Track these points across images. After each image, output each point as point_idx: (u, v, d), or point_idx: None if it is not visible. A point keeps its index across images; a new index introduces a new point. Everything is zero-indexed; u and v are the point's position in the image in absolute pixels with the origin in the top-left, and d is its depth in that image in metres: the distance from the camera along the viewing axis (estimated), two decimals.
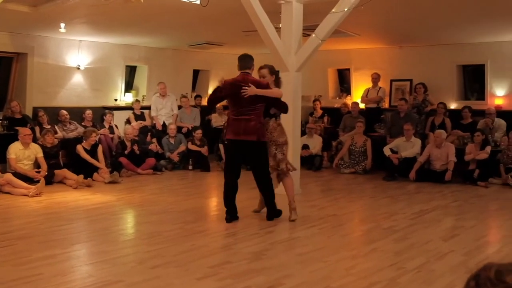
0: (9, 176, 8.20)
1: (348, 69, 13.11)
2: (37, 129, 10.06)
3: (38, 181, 8.28)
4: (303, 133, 10.47)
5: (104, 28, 10.28)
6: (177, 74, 13.37)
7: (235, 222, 6.41)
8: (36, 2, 8.09)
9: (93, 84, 11.88)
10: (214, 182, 10.04)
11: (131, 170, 10.06)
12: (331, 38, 8.60)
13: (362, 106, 12.12)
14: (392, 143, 10.29)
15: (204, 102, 13.64)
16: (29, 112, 10.68)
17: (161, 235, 5.81)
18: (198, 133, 11.14)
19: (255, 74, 6.67)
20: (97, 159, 9.60)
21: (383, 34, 11.00)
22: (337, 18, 7.57)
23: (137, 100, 12.34)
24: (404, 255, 5.15)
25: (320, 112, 12.57)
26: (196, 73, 14.25)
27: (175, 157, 10.88)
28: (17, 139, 8.85)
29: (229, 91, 6.33)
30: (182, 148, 11.04)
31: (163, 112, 12.03)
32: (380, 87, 12.06)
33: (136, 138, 10.60)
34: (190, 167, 10.87)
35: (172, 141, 11.17)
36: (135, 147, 10.28)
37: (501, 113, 10.53)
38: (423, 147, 10.11)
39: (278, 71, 7.14)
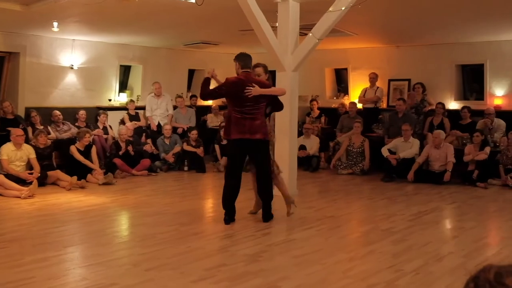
0: (1, 177, 8.17)
1: (346, 69, 13.13)
2: (29, 129, 10.04)
3: (30, 183, 8.26)
4: (300, 133, 10.50)
5: (98, 27, 10.26)
6: (172, 74, 13.36)
7: (232, 224, 6.40)
8: (28, 0, 8.07)
9: (86, 84, 11.86)
10: (210, 183, 10.03)
11: (126, 171, 10.04)
12: (328, 37, 8.61)
13: (359, 106, 12.13)
14: (390, 143, 10.30)
15: (200, 102, 13.65)
16: (21, 113, 10.66)
17: (156, 237, 5.80)
18: (194, 134, 11.13)
19: None
20: (90, 160, 9.58)
21: (381, 33, 11.01)
22: (334, 17, 7.58)
23: (131, 100, 12.33)
24: (402, 257, 5.15)
25: (317, 112, 12.58)
26: (191, 72, 14.25)
27: (170, 158, 10.87)
28: (9, 140, 8.82)
29: (231, 89, 6.34)
30: (177, 149, 11.03)
31: (158, 112, 12.01)
32: (377, 87, 12.07)
33: (131, 139, 10.58)
34: (186, 168, 10.86)
35: (167, 141, 11.16)
36: (130, 148, 10.26)
37: (500, 113, 10.55)
38: (421, 147, 10.12)
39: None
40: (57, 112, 10.84)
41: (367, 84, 12.20)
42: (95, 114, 11.63)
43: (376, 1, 7.26)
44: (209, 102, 13.04)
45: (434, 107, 11.02)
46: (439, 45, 11.50)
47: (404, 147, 10.09)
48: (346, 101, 12.71)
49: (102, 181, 9.11)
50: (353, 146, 10.81)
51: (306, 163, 10.86)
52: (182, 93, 13.11)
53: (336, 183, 9.84)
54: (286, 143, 8.10)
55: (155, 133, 11.70)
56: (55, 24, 9.19)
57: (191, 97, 13.60)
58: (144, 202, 7.81)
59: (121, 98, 12.55)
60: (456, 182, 9.46)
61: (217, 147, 11.26)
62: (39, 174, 8.66)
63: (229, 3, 7.55)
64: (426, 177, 9.63)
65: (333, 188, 9.40)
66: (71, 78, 11.62)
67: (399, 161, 9.91)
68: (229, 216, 6.43)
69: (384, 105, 12.28)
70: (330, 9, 7.55)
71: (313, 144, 11.17)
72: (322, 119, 12.49)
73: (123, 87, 12.95)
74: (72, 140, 10.12)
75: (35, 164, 8.81)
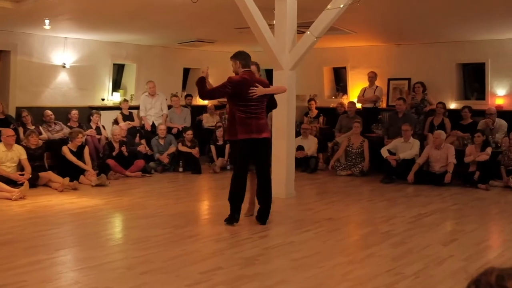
0: None
1: (344, 68, 13.14)
2: (20, 130, 10.02)
3: (21, 184, 8.24)
4: (297, 133, 10.49)
5: (91, 25, 10.25)
6: (167, 73, 13.35)
7: (227, 226, 6.40)
8: None
9: (79, 83, 11.84)
10: (205, 184, 10.04)
11: (119, 172, 10.03)
12: (327, 35, 8.62)
13: (358, 106, 12.14)
14: (390, 144, 10.32)
15: (195, 101, 13.65)
16: (12, 112, 10.63)
17: (150, 240, 5.80)
18: (189, 134, 11.12)
19: None
20: (83, 161, 9.57)
21: (380, 32, 11.03)
22: (332, 14, 7.59)
23: (125, 100, 12.32)
24: (402, 260, 5.16)
25: (315, 112, 12.58)
26: (186, 71, 14.24)
27: (164, 158, 10.86)
28: None
29: (236, 88, 6.36)
30: (172, 149, 11.02)
31: (152, 112, 12.00)
32: (377, 86, 12.08)
33: (124, 139, 10.57)
34: (181, 169, 10.86)
35: (161, 142, 11.15)
36: (123, 148, 10.25)
37: (502, 113, 10.57)
38: (421, 148, 10.14)
39: None
40: (49, 112, 10.81)
41: (366, 83, 12.21)
42: (87, 114, 11.61)
43: None
44: (205, 102, 13.02)
45: (434, 107, 11.04)
46: (439, 43, 11.51)
47: (404, 147, 10.10)
48: (345, 100, 12.72)
49: (95, 183, 9.10)
50: (352, 146, 10.82)
51: (304, 164, 10.87)
52: (177, 92, 13.10)
53: (334, 184, 9.85)
54: (283, 144, 8.11)
55: (149, 133, 11.70)
56: (47, 21, 9.18)
57: (186, 96, 13.60)
58: (138, 204, 7.80)
59: (115, 98, 12.53)
60: (457, 184, 9.47)
61: (213, 147, 11.26)
62: (31, 175, 8.65)
63: (225, 0, 7.55)
64: (427, 178, 9.65)
65: (332, 189, 9.41)
66: (63, 77, 11.60)
67: (399, 162, 9.93)
68: (238, 215, 6.50)
69: (383, 104, 12.30)
70: (329, 6, 7.57)
71: (311, 145, 11.18)
72: (321, 119, 12.50)
73: (116, 86, 12.93)
74: (64, 141, 10.10)
75: (26, 165, 8.80)
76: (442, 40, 11.33)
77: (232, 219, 6.46)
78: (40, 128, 10.47)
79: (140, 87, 12.70)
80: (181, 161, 10.91)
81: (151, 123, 11.93)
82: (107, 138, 11.04)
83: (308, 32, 7.90)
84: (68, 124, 11.05)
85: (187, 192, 9.07)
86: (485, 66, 11.14)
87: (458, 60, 11.57)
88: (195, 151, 10.95)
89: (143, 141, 11.34)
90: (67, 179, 8.73)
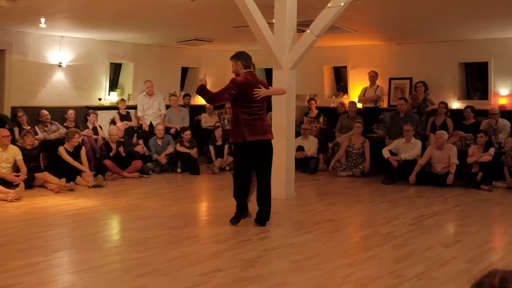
0: None
1: (345, 67, 13.14)
2: (16, 130, 10.01)
3: (17, 185, 8.24)
4: (297, 134, 10.49)
5: (87, 23, 10.24)
6: (165, 72, 13.35)
7: (226, 228, 6.42)
8: None
9: (75, 83, 11.84)
10: (204, 185, 10.04)
11: (116, 173, 10.03)
12: (327, 34, 8.63)
13: (359, 105, 12.15)
14: (391, 144, 10.32)
15: (194, 101, 13.66)
16: (7, 112, 10.63)
17: (148, 241, 5.80)
18: (187, 134, 11.13)
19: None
20: (80, 162, 9.56)
21: (381, 30, 11.03)
22: (333, 13, 7.59)
23: (122, 100, 12.31)
24: (403, 263, 5.17)
25: (315, 112, 12.59)
26: (184, 70, 14.24)
27: (162, 159, 10.86)
28: None
29: (241, 90, 6.37)
30: (170, 150, 11.02)
31: (150, 112, 12.00)
32: (378, 86, 12.09)
33: (122, 140, 10.57)
34: (179, 170, 10.86)
35: (159, 142, 11.15)
36: (121, 149, 10.25)
37: (505, 113, 10.57)
38: (423, 149, 10.15)
39: None
40: (45, 112, 10.81)
41: (367, 83, 12.22)
42: (84, 113, 11.60)
43: None
44: (204, 102, 13.01)
45: (436, 106, 11.04)
46: (441, 42, 11.52)
47: (406, 148, 10.11)
48: (346, 100, 12.73)
49: (92, 184, 9.10)
50: (353, 147, 10.82)
51: (304, 164, 10.87)
52: (175, 92, 13.10)
53: (335, 185, 9.85)
54: (283, 144, 8.10)
55: (147, 134, 11.69)
56: (43, 20, 9.17)
57: (184, 96, 13.60)
58: (135, 205, 7.80)
59: (112, 97, 12.53)
60: (459, 185, 9.48)
61: (211, 148, 11.26)
62: (26, 176, 8.64)
63: None
64: (428, 179, 9.65)
65: (332, 190, 9.41)
66: (59, 76, 11.59)
67: (400, 163, 9.93)
68: (247, 211, 6.62)
69: (384, 104, 12.30)
70: (329, 5, 7.57)
71: (311, 145, 11.18)
72: (321, 119, 12.50)
73: (113, 85, 12.92)
74: (60, 141, 10.10)
75: (22, 166, 8.80)
76: (444, 39, 11.34)
77: (237, 218, 6.53)
78: (36, 128, 10.47)
79: (138, 86, 12.69)
80: (179, 162, 10.91)
81: (148, 123, 11.93)
82: (104, 139, 11.03)
83: (308, 31, 7.91)
84: (65, 124, 11.05)
85: (185, 193, 9.06)
86: (488, 65, 11.14)
87: (460, 59, 11.57)
88: (193, 152, 10.95)
89: (140, 142, 11.35)
90: (64, 180, 8.73)
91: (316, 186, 9.86)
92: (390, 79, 12.40)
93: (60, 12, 9.03)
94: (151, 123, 11.93)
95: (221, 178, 10.11)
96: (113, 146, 10.28)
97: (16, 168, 8.84)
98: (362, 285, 4.54)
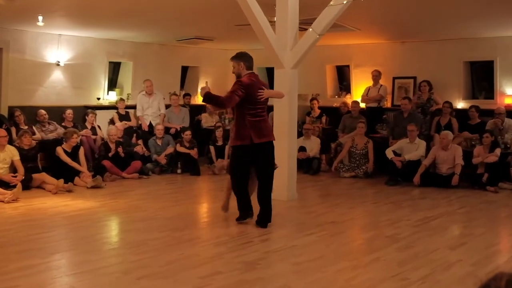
0: None
1: (348, 66, 13.14)
2: (13, 130, 10.02)
3: (14, 186, 8.24)
4: (299, 134, 10.51)
5: (86, 22, 10.25)
6: (165, 71, 13.36)
7: (227, 230, 6.43)
8: None
9: (74, 82, 11.85)
10: (204, 186, 10.04)
11: (115, 174, 10.04)
12: (330, 32, 8.63)
13: (362, 105, 12.14)
14: (395, 145, 10.32)
15: (194, 101, 13.67)
16: (4, 112, 10.64)
17: (148, 243, 5.80)
18: (187, 134, 11.13)
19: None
20: (78, 162, 9.57)
21: (385, 29, 11.03)
22: (335, 11, 7.59)
23: (121, 99, 12.32)
24: (408, 265, 5.16)
25: (318, 111, 12.59)
26: (184, 69, 14.25)
27: (162, 159, 10.87)
28: None
29: (248, 91, 6.38)
30: (170, 150, 11.03)
31: (150, 111, 12.01)
32: (381, 85, 12.09)
33: (121, 140, 10.58)
34: (179, 171, 10.87)
35: (159, 142, 11.16)
36: (120, 149, 10.26)
37: (511, 113, 10.56)
38: (428, 149, 10.14)
39: None
40: (43, 112, 10.82)
41: (370, 82, 12.21)
42: (82, 113, 11.61)
43: None
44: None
45: (441, 106, 11.03)
46: (446, 40, 11.52)
47: (410, 148, 10.10)
48: (348, 100, 12.72)
49: (91, 184, 9.10)
50: (356, 147, 10.82)
51: (306, 165, 10.87)
52: (175, 92, 13.11)
53: (338, 186, 9.85)
54: (285, 145, 8.10)
55: (147, 134, 11.70)
56: (40, 18, 9.17)
57: (184, 95, 13.61)
58: (135, 207, 7.81)
59: (111, 97, 12.54)
60: (464, 186, 9.47)
61: (212, 148, 11.26)
62: (24, 177, 8.65)
63: None
64: (433, 180, 9.64)
65: (335, 192, 9.41)
66: (57, 76, 11.60)
67: (404, 164, 9.92)
68: (252, 210, 6.67)
69: (388, 104, 12.30)
70: (332, 2, 7.57)
71: (313, 146, 11.18)
72: (323, 119, 12.49)
73: (112, 85, 12.93)
74: (58, 141, 10.11)
75: (19, 166, 8.80)
76: (449, 37, 11.33)
77: (249, 214, 6.64)
78: (34, 128, 10.48)
79: (137, 86, 12.70)
80: (179, 162, 10.91)
81: (148, 123, 11.94)
82: (102, 139, 11.04)
83: (311, 29, 7.91)
84: (63, 124, 11.05)
85: (185, 194, 9.07)
86: (494, 64, 11.13)
87: (465, 58, 11.56)
88: (193, 152, 10.96)
89: (140, 142, 11.35)
90: (62, 180, 8.73)
91: (318, 187, 9.86)
92: (394, 78, 12.40)
93: (58, 10, 9.04)
94: (150, 123, 11.94)
95: (221, 179, 10.09)
96: (112, 146, 10.28)
97: (13, 169, 8.84)
98: None
